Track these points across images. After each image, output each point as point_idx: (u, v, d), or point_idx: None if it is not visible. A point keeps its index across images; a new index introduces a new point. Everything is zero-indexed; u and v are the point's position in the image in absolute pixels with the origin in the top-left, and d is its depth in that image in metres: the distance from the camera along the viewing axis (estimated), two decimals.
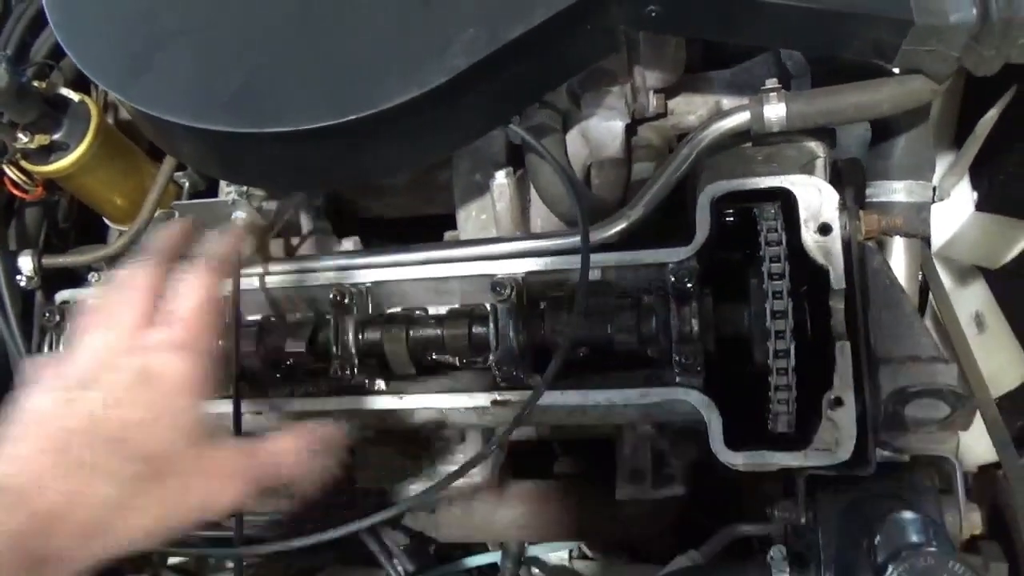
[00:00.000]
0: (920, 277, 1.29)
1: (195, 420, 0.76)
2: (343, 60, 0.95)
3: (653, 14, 1.01)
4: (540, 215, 1.28)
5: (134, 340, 0.76)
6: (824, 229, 1.03)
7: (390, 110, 0.91)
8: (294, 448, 0.83)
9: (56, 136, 1.23)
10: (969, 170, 1.47)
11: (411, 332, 1.16)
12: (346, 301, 1.16)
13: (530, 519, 1.40)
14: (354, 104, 0.91)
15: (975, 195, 1.50)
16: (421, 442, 1.37)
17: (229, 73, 0.95)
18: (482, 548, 1.56)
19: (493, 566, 1.52)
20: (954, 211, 1.50)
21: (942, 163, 1.46)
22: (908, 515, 0.89)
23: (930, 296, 1.37)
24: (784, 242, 0.98)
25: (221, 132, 0.93)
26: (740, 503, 1.45)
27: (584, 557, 1.59)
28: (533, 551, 1.54)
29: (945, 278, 1.44)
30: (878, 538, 0.87)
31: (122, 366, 0.74)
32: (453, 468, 1.36)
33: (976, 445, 1.28)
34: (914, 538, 0.86)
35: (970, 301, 1.46)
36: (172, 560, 1.56)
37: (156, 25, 1.00)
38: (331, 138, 0.94)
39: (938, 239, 1.49)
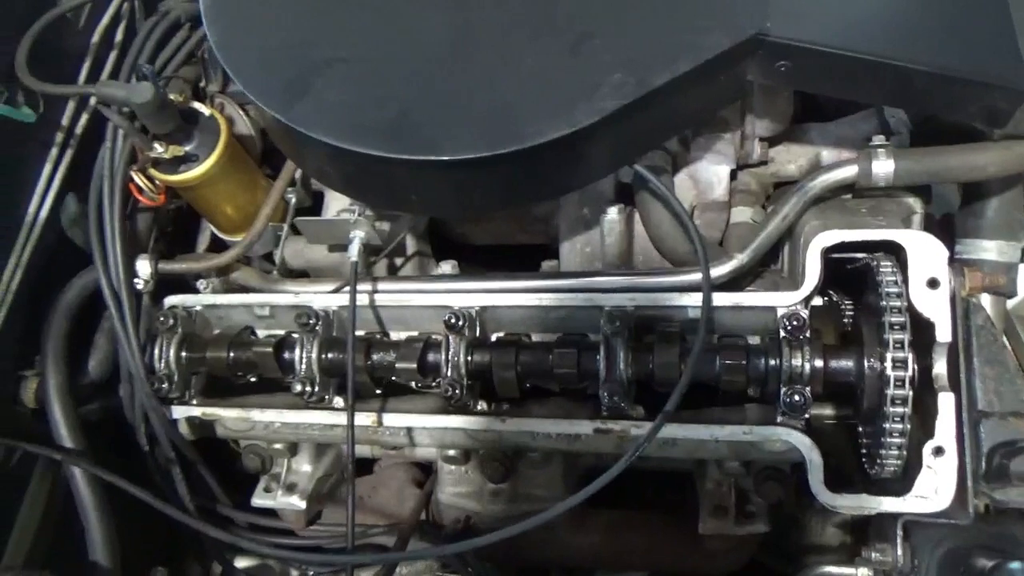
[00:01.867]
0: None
1: None
2: (497, 96, 1.00)
3: (783, 69, 1.06)
4: (642, 252, 1.32)
5: None
6: (933, 283, 1.08)
7: (540, 146, 0.96)
8: None
9: (188, 148, 1.28)
10: None
11: (521, 357, 1.20)
12: (459, 324, 1.20)
13: (608, 548, 1.42)
14: (507, 139, 0.96)
15: None
16: (504, 462, 1.41)
17: (386, 101, 1.00)
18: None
19: None
20: None
21: None
22: (1019, 565, 0.92)
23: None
24: (905, 294, 1.02)
25: (377, 156, 0.98)
26: (805, 546, 1.48)
27: None
28: None
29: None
30: None
31: None
32: (535, 491, 1.41)
33: None
34: None
35: None
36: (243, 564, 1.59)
37: (315, 50, 1.05)
38: (480, 170, 0.98)
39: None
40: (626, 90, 0.98)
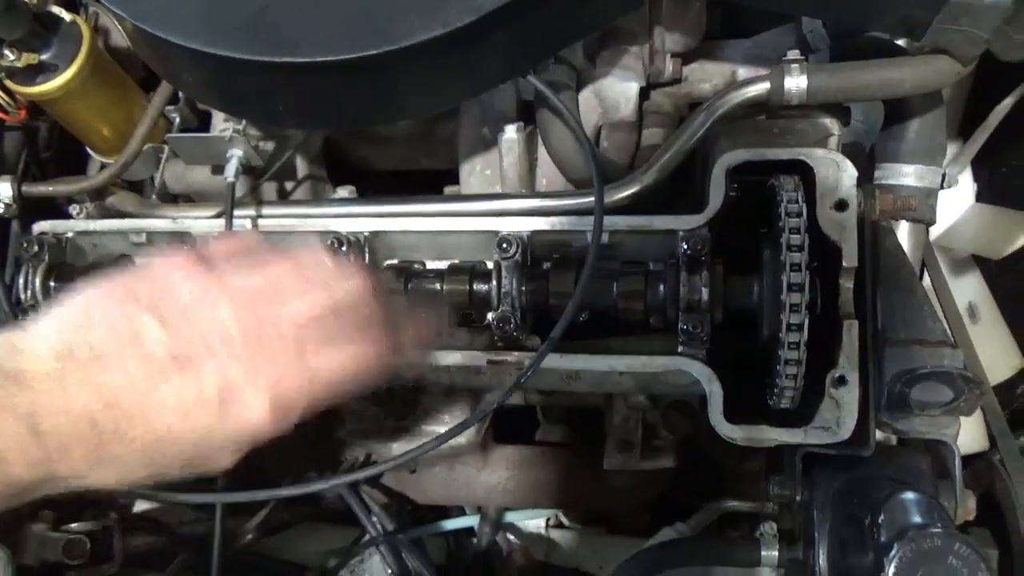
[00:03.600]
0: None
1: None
2: None
3: None
4: (546, 174, 1.25)
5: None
6: (840, 205, 1.01)
7: (411, 48, 0.87)
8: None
9: (45, 56, 1.16)
10: None
11: (410, 284, 1.13)
12: (343, 249, 1.12)
13: (514, 484, 1.38)
14: (374, 39, 0.87)
15: (975, 186, 1.49)
16: (406, 399, 1.35)
17: None
18: (459, 511, 1.54)
19: (469, 530, 1.50)
20: (953, 200, 1.49)
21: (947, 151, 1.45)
22: (913, 496, 0.88)
23: (925, 282, 1.37)
24: (804, 214, 0.96)
25: (231, 59, 0.88)
26: (720, 480, 1.45)
27: (560, 526, 1.58)
28: (509, 517, 1.53)
29: (941, 267, 1.44)
30: (881, 517, 0.86)
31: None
32: (439, 428, 1.35)
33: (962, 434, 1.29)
34: (918, 519, 0.85)
35: (964, 291, 1.46)
36: (142, 507, 1.52)
37: None
38: (347, 73, 0.90)
39: (936, 228, 1.49)
40: None
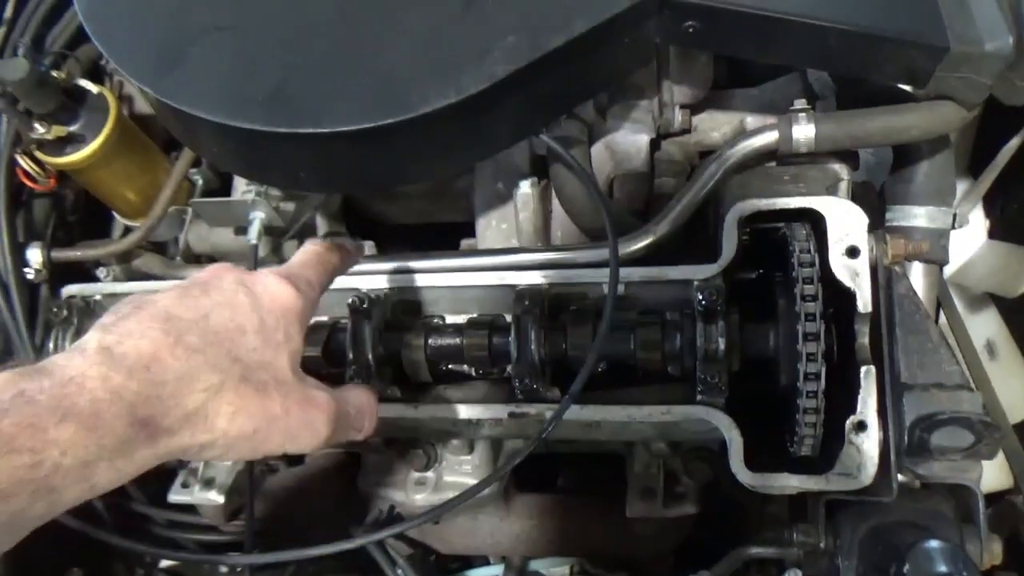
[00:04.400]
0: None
1: (298, 349, 0.79)
2: (381, 63, 0.93)
3: (691, 30, 1.00)
4: (561, 227, 1.27)
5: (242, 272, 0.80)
6: (852, 252, 1.03)
7: (426, 115, 0.90)
8: (367, 402, 0.90)
9: (73, 128, 1.21)
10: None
11: (430, 341, 1.15)
12: (364, 307, 1.14)
13: (537, 533, 1.38)
14: (390, 108, 0.90)
15: (987, 222, 1.50)
16: (428, 450, 1.36)
17: (264, 72, 0.93)
18: (482, 560, 1.54)
19: None
20: (966, 238, 1.50)
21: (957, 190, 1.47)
22: (937, 544, 0.88)
23: (941, 322, 1.38)
24: (817, 263, 0.97)
25: (254, 131, 0.91)
26: (742, 523, 1.45)
27: (584, 573, 1.57)
28: (534, 566, 1.52)
29: (957, 305, 1.45)
30: (907, 567, 0.87)
31: (230, 280, 0.77)
32: (461, 479, 1.36)
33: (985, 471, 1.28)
34: (943, 567, 0.85)
35: (982, 328, 1.46)
36: (166, 563, 1.53)
37: (190, 19, 0.98)
38: (365, 142, 0.92)
39: (950, 265, 1.50)
40: (518, 53, 0.91)
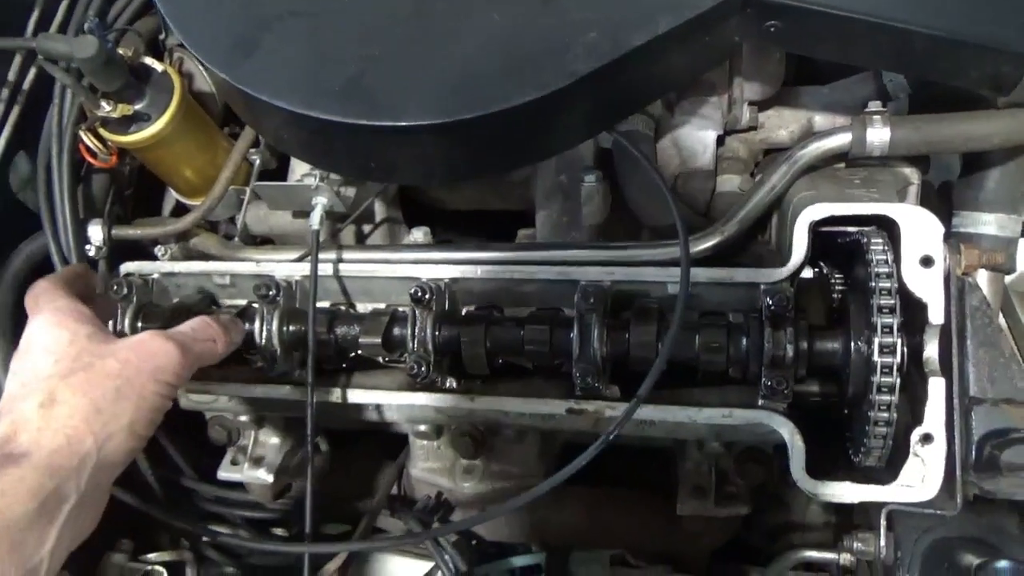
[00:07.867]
0: None
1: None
2: (459, 57, 0.92)
3: (773, 29, 0.98)
4: (623, 222, 1.25)
5: None
6: (927, 261, 1.00)
7: (506, 112, 0.89)
8: (203, 325, 1.04)
9: (138, 106, 1.20)
10: None
11: (490, 332, 1.14)
12: (426, 297, 1.14)
13: (586, 526, 1.38)
14: (469, 103, 0.89)
15: None
16: (477, 438, 1.35)
17: (341, 61, 0.93)
18: (520, 546, 1.54)
19: (537, 566, 1.50)
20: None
21: None
22: (1007, 565, 0.87)
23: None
24: (895, 276, 0.96)
25: (329, 121, 0.90)
26: (788, 524, 1.45)
27: (625, 563, 1.57)
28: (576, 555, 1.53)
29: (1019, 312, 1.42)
30: None
31: None
32: (510, 467, 1.36)
33: None
34: None
35: None
36: None
37: (268, 3, 0.96)
38: (442, 136, 0.91)
39: None
40: (600, 51, 0.90)
